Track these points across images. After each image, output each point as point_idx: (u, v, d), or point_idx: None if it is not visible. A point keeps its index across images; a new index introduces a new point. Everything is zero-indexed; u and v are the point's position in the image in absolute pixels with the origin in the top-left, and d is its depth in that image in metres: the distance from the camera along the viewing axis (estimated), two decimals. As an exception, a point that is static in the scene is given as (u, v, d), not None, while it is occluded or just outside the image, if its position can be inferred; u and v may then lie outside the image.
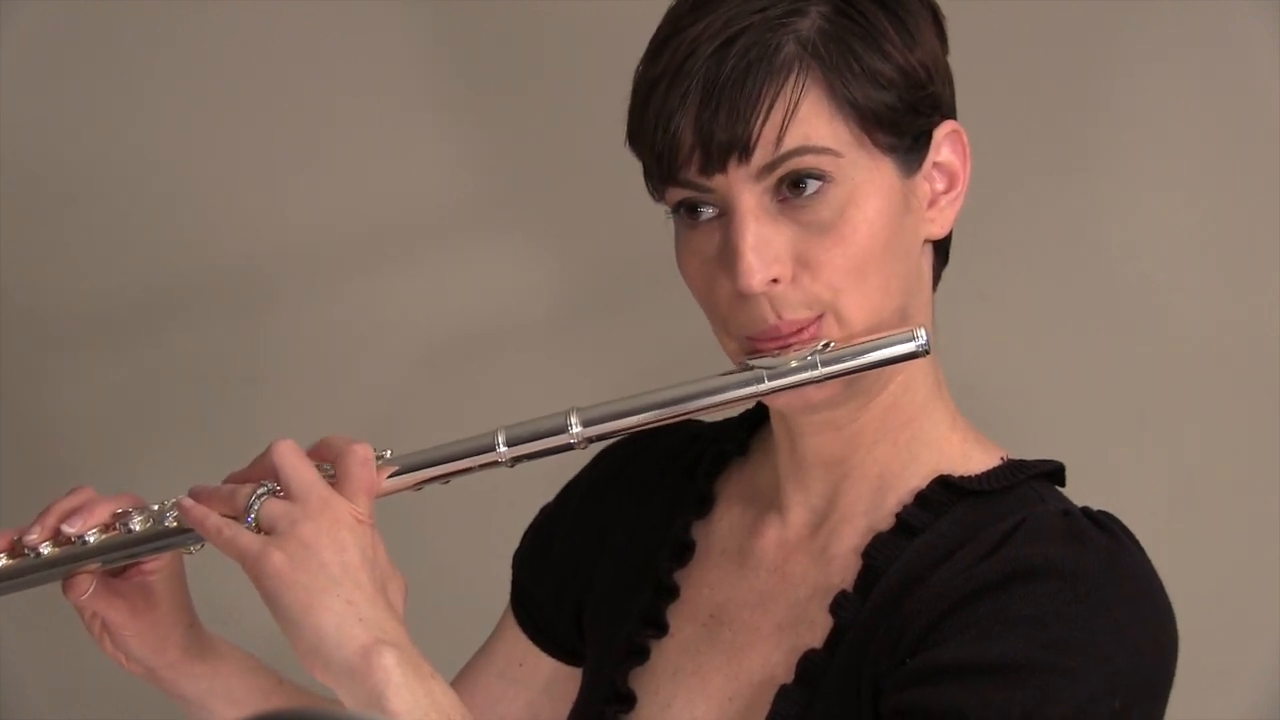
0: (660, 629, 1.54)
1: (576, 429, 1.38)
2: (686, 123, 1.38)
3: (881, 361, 1.38)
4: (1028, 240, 2.34)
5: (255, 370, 2.52)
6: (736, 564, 1.53)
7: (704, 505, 1.58)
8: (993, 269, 2.32)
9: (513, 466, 1.41)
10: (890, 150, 1.41)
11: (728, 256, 1.39)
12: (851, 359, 1.38)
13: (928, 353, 1.37)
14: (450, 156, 2.48)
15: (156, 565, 1.51)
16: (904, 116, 1.41)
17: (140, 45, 2.50)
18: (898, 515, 1.45)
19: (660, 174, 1.41)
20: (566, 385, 2.37)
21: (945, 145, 1.45)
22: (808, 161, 1.38)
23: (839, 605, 1.43)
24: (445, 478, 1.43)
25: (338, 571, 1.32)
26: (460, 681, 1.70)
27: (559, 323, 2.47)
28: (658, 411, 1.40)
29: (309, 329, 2.51)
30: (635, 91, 1.42)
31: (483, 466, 1.41)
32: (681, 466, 1.63)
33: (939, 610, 1.35)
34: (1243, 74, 2.27)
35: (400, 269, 2.49)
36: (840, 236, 1.39)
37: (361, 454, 1.38)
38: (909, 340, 1.38)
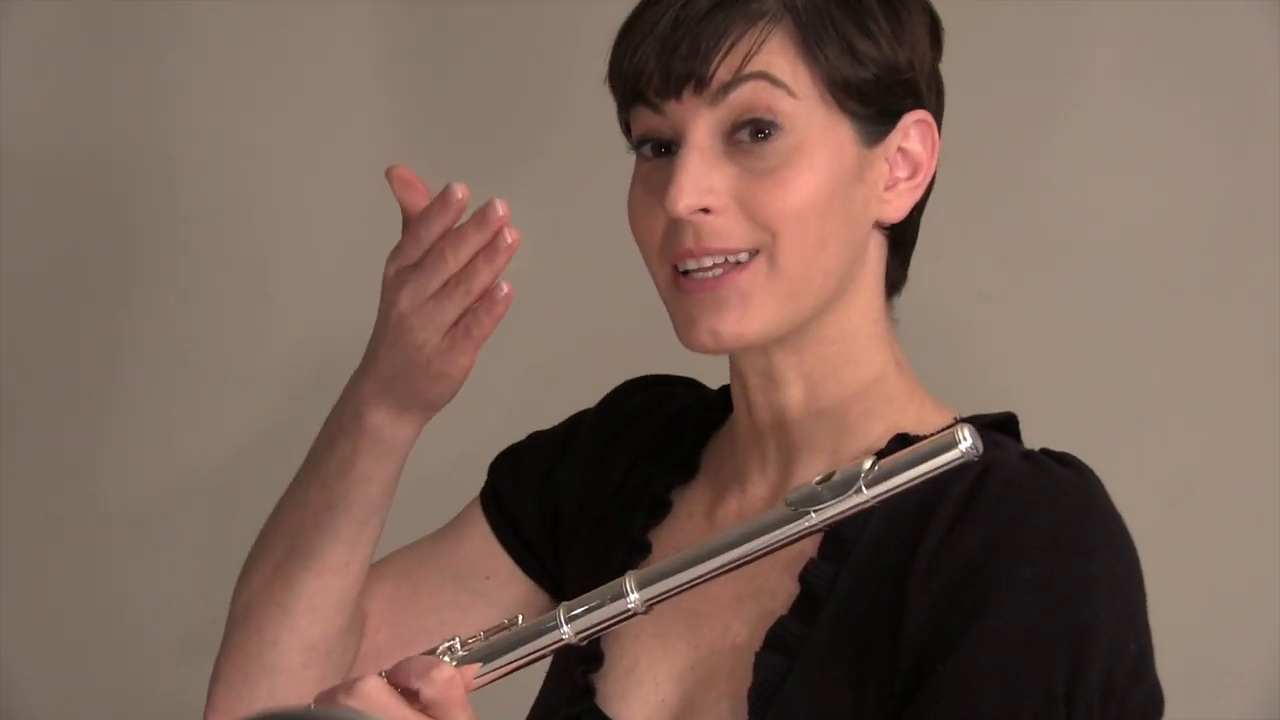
0: None
1: (633, 595, 1.33)
2: (652, 49, 1.40)
3: (931, 471, 1.26)
4: (1027, 240, 2.34)
5: (256, 368, 2.52)
6: (702, 530, 1.54)
7: (688, 469, 1.58)
8: (992, 269, 2.32)
9: (583, 644, 1.37)
10: (851, 114, 1.42)
11: (667, 186, 1.40)
12: (898, 474, 1.27)
13: (979, 455, 1.27)
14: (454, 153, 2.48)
15: None
16: (872, 89, 1.42)
17: (140, 45, 2.50)
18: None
19: (622, 98, 1.44)
20: (561, 381, 2.37)
21: (914, 132, 1.45)
22: (762, 93, 1.40)
23: (809, 573, 1.43)
24: (521, 665, 1.38)
25: None
26: (394, 567, 1.65)
27: (554, 321, 2.47)
28: (708, 564, 1.33)
29: (310, 328, 2.51)
30: (621, 27, 1.45)
31: (552, 647, 1.36)
32: (673, 432, 1.63)
33: (937, 592, 1.36)
34: (1243, 74, 2.27)
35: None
36: (783, 179, 1.40)
37: (444, 676, 1.32)
38: (952, 446, 1.26)
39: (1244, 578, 2.29)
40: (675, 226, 1.41)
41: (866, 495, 1.26)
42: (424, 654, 1.35)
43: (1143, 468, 2.31)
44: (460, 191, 1.44)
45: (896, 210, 1.46)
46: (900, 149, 1.45)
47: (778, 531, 1.29)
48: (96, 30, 2.50)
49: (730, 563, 1.31)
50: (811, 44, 1.40)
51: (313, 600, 1.55)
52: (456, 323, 1.44)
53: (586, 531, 1.62)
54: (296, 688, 1.55)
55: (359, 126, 2.50)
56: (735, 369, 1.51)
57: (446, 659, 1.34)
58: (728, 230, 1.41)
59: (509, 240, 1.42)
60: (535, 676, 1.53)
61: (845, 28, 1.40)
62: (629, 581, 1.32)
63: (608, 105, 1.49)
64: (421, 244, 1.44)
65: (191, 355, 2.53)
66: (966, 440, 1.25)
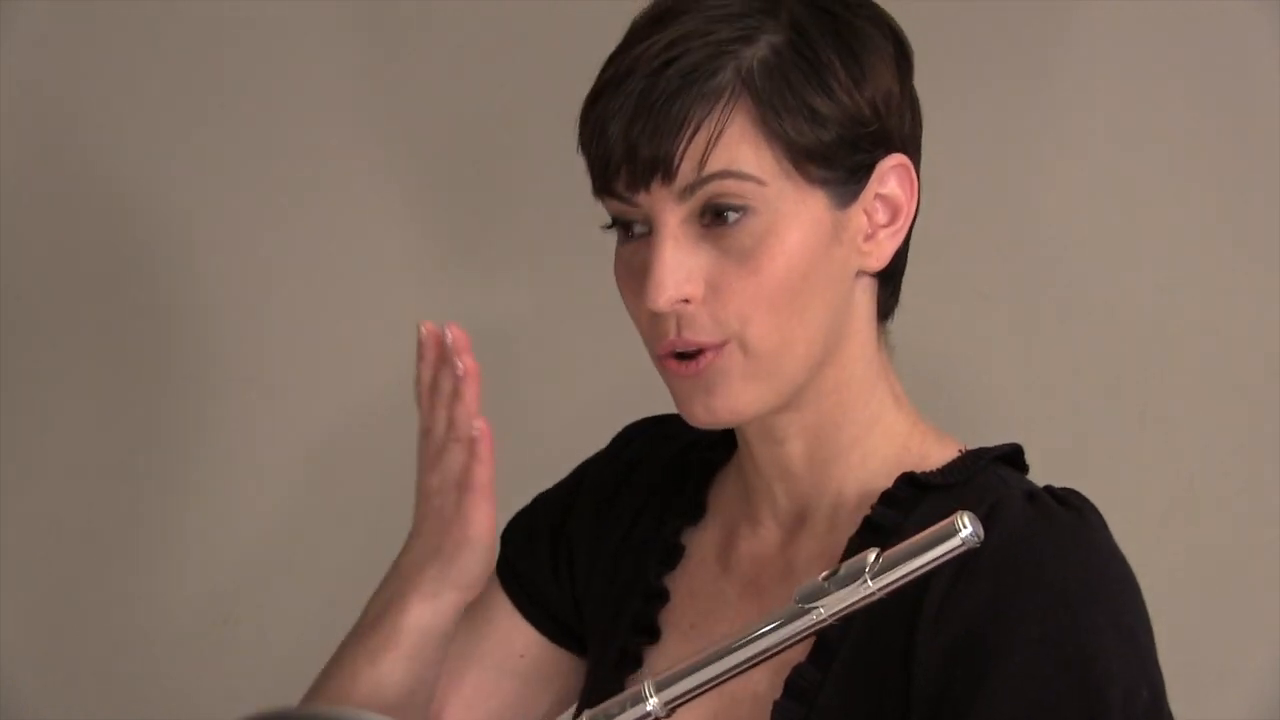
0: (652, 635, 1.54)
1: (652, 700, 1.33)
2: (618, 136, 1.40)
3: (936, 559, 1.28)
4: (1027, 240, 2.33)
5: (251, 373, 2.52)
6: (716, 573, 1.54)
7: (695, 512, 1.58)
8: (991, 270, 2.32)
9: None
10: (822, 183, 1.41)
11: (644, 273, 1.41)
12: (903, 564, 1.28)
13: (981, 541, 1.27)
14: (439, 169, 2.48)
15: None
16: (839, 151, 1.41)
17: (139, 47, 2.50)
18: (866, 518, 1.45)
19: (595, 185, 1.44)
20: (554, 397, 2.37)
21: (891, 177, 1.44)
22: (729, 187, 1.39)
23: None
24: None
25: None
26: (446, 675, 1.65)
27: (552, 332, 2.47)
28: (723, 663, 1.33)
29: (305, 331, 2.51)
30: (586, 97, 1.44)
31: None
32: (677, 474, 1.63)
33: (942, 649, 1.36)
34: (1243, 74, 2.27)
35: (388, 280, 2.49)
36: (755, 266, 1.40)
37: None
38: (953, 534, 1.27)
39: (1244, 578, 2.29)
40: (657, 314, 1.42)
41: (872, 588, 1.28)
42: None
43: (1143, 468, 2.31)
44: (424, 329, 1.46)
45: (878, 260, 1.45)
46: (878, 195, 1.44)
47: (789, 628, 1.31)
48: (97, 30, 2.50)
49: (746, 661, 1.32)
50: (771, 120, 1.39)
51: None
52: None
53: (601, 584, 1.62)
54: None
55: (359, 125, 2.49)
56: (737, 426, 1.51)
57: None
58: (702, 324, 1.41)
59: (459, 371, 1.44)
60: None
61: (803, 90, 1.39)
62: (648, 686, 1.33)
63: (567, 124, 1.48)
64: (423, 407, 1.46)
65: (193, 355, 2.53)
66: (966, 529, 1.26)
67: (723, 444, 1.60)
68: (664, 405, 1.52)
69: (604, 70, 1.43)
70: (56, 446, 2.53)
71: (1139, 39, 2.30)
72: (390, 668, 1.52)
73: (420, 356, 1.49)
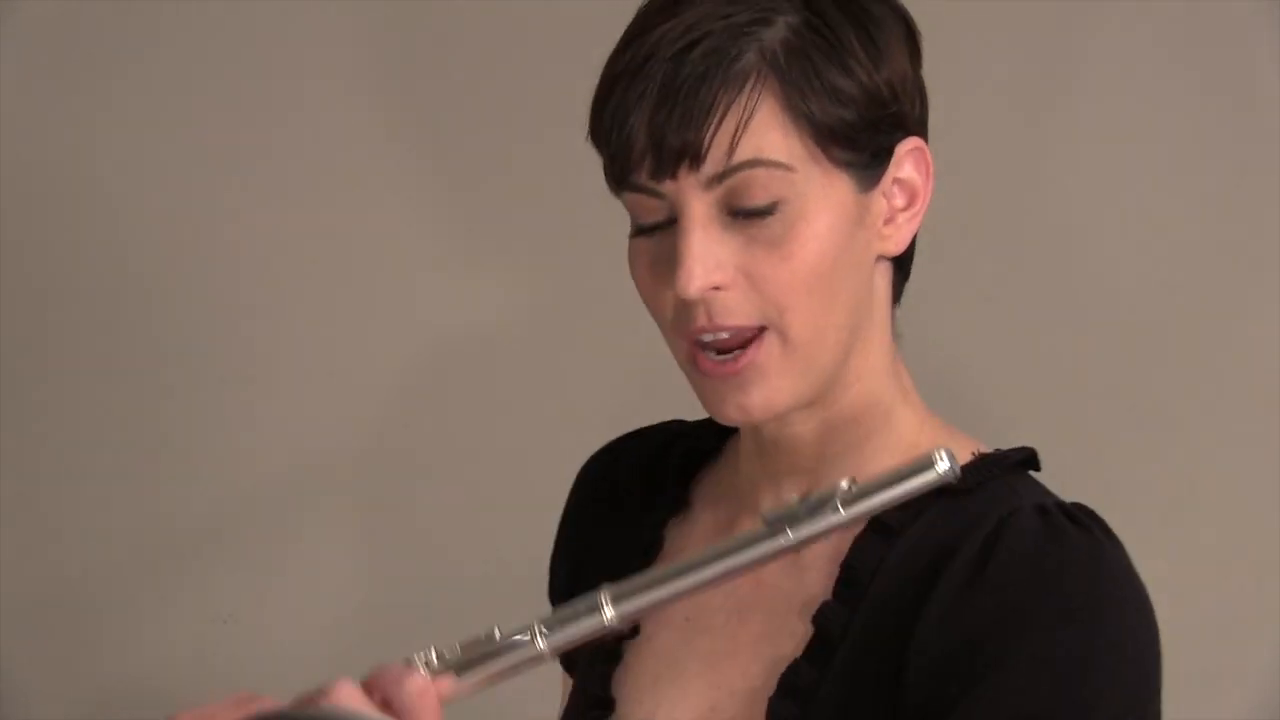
0: (631, 630, 1.52)
1: (609, 611, 1.32)
2: (640, 124, 1.37)
3: (909, 493, 1.28)
4: (1030, 238, 2.34)
5: (252, 372, 2.52)
6: None
7: (679, 505, 1.57)
8: (991, 269, 2.32)
9: (555, 658, 1.37)
10: (846, 165, 1.40)
11: (673, 263, 1.39)
12: (875, 495, 1.28)
13: (957, 477, 1.27)
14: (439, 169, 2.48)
15: None
16: (862, 133, 1.40)
17: (140, 47, 2.50)
18: (873, 516, 1.44)
19: (614, 175, 1.41)
20: (552, 397, 2.37)
21: (908, 161, 1.43)
22: (759, 177, 1.37)
23: (823, 615, 1.42)
24: (495, 680, 1.39)
25: None
26: None
27: (548, 333, 2.47)
28: (685, 580, 1.32)
29: (305, 331, 2.51)
30: (598, 87, 1.41)
31: (527, 662, 1.34)
32: (658, 469, 1.61)
33: (938, 657, 1.35)
34: (1243, 74, 2.27)
35: (389, 278, 2.49)
36: (788, 253, 1.38)
37: (415, 686, 1.31)
38: (930, 467, 1.27)
39: (1244, 578, 2.29)
40: (686, 303, 1.40)
41: (843, 515, 1.27)
42: (400, 663, 1.34)
43: (1143, 468, 2.31)
44: None
45: (897, 244, 1.45)
46: (896, 179, 1.43)
47: (754, 549, 1.29)
48: (96, 30, 2.50)
49: (707, 580, 1.30)
50: (797, 101, 1.37)
51: None
52: None
53: (587, 588, 1.61)
54: None
55: (355, 124, 2.50)
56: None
57: (422, 669, 1.34)
58: (737, 306, 1.39)
59: None
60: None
61: (825, 70, 1.38)
62: (604, 596, 1.31)
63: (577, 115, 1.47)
64: None
65: (193, 356, 2.53)
66: (944, 463, 1.25)
67: (707, 436, 1.59)
68: (673, 401, 1.51)
69: (616, 58, 1.40)
70: (57, 446, 2.53)
71: (1139, 39, 2.30)
72: None
73: None
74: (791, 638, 1.44)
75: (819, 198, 1.39)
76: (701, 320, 1.39)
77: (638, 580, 1.30)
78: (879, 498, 1.26)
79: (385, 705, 1.31)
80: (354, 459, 2.49)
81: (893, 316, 1.49)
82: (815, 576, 1.45)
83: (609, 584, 1.31)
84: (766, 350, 1.40)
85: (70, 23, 2.49)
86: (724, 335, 1.40)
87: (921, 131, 1.45)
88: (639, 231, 1.43)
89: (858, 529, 1.44)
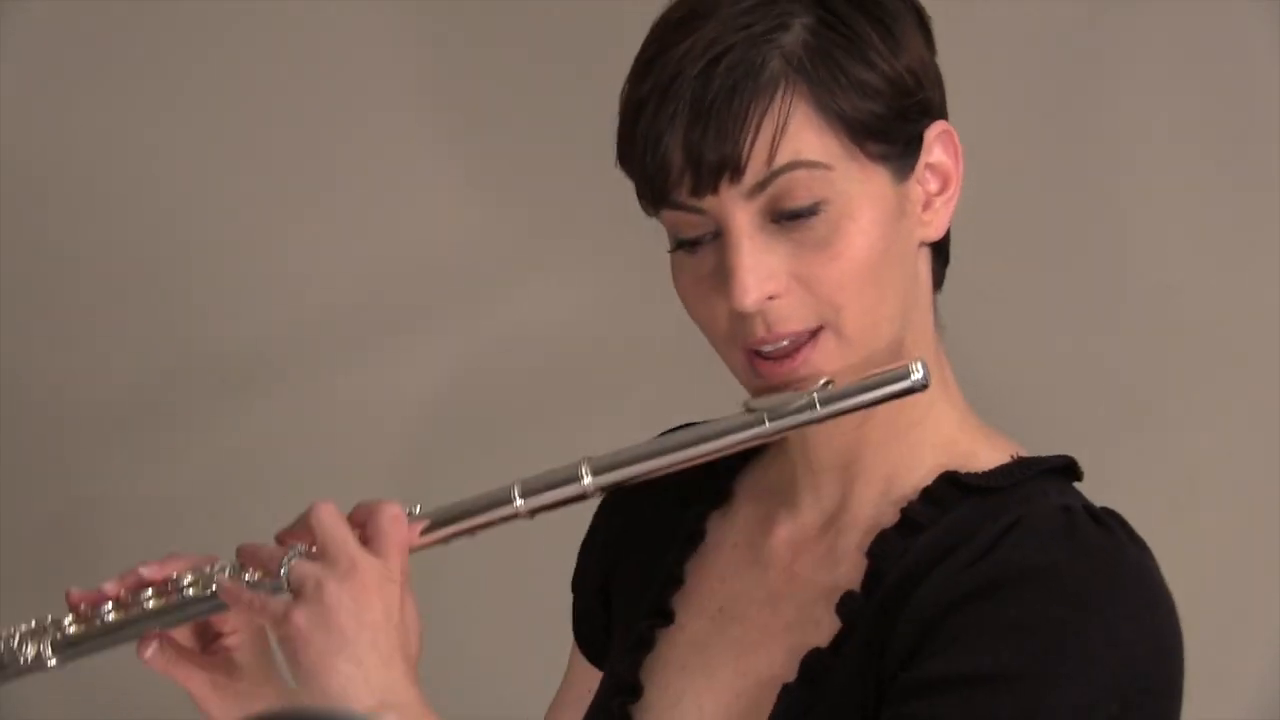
0: (665, 618, 1.53)
1: (588, 479, 1.38)
2: (675, 144, 1.38)
3: (881, 399, 1.37)
4: (1030, 238, 2.34)
5: (253, 371, 2.52)
6: (749, 559, 1.53)
7: (720, 497, 1.58)
8: (996, 267, 2.32)
9: (533, 517, 1.41)
10: (882, 159, 1.41)
11: (723, 276, 1.39)
12: (850, 397, 1.37)
13: (926, 386, 1.36)
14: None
15: (236, 640, 1.51)
16: (893, 124, 1.40)
17: (140, 47, 2.50)
18: (903, 511, 1.44)
19: (651, 196, 1.41)
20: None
21: (937, 146, 1.44)
22: (799, 179, 1.38)
23: (845, 605, 1.43)
24: (471, 532, 1.43)
25: (353, 633, 1.33)
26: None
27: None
28: (665, 459, 1.41)
29: (311, 323, 2.51)
30: (623, 112, 1.42)
31: (504, 519, 1.41)
32: (695, 468, 1.62)
33: (927, 617, 1.35)
34: (1243, 73, 2.27)
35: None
36: (836, 252, 1.39)
37: (391, 512, 1.39)
38: (905, 377, 1.36)
39: (1244, 578, 2.29)
40: (742, 315, 1.40)
41: (819, 411, 1.37)
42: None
43: (1143, 467, 2.31)
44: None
45: (937, 229, 1.46)
46: (928, 165, 1.44)
47: (732, 435, 1.39)
48: (96, 31, 2.50)
49: (683, 460, 1.40)
50: (827, 101, 1.38)
51: None
52: None
53: (626, 579, 1.62)
54: None
55: (362, 122, 2.50)
56: None
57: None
58: (793, 312, 1.40)
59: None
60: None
61: (849, 65, 1.39)
62: (584, 466, 1.38)
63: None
64: None
65: (193, 355, 2.53)
66: (918, 373, 1.36)
67: None
68: (716, 397, 1.51)
69: (638, 80, 1.41)
70: (57, 446, 2.54)
71: (1139, 39, 2.31)
72: None
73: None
74: (818, 628, 1.44)
75: (859, 194, 1.40)
76: (760, 332, 1.40)
77: (617, 455, 1.37)
78: (854, 399, 1.37)
79: (360, 528, 1.39)
80: (356, 459, 2.49)
81: (935, 304, 1.49)
82: (846, 569, 1.46)
83: (589, 456, 1.37)
84: (823, 349, 1.41)
85: (70, 23, 2.50)
86: (784, 344, 1.41)
87: (944, 115, 1.46)
88: (679, 245, 1.43)
89: (887, 522, 1.44)
